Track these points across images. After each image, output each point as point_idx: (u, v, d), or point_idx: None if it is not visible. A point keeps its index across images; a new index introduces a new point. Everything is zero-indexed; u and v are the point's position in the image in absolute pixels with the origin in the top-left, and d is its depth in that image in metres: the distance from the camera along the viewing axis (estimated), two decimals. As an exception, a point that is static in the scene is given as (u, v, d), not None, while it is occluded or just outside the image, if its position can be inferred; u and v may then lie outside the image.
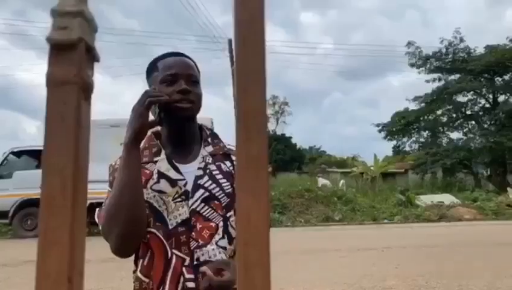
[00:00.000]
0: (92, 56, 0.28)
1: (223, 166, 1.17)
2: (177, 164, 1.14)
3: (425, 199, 15.51)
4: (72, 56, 0.26)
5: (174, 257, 1.07)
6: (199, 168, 1.14)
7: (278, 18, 70.17)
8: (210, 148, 1.19)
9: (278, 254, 7.10)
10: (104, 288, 4.81)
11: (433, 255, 6.69)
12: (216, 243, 1.09)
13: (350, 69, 45.97)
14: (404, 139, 29.07)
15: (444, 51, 25.12)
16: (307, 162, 36.11)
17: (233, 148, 1.24)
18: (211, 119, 11.03)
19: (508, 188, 16.97)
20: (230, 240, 1.12)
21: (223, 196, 1.13)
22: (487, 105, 25.70)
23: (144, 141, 1.12)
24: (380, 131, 28.22)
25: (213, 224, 1.10)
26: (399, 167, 27.28)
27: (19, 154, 10.78)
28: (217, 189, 1.13)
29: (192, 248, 1.07)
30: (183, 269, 1.06)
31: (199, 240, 1.08)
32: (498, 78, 25.00)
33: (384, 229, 11.47)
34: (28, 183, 9.42)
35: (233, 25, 0.26)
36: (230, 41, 18.23)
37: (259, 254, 0.25)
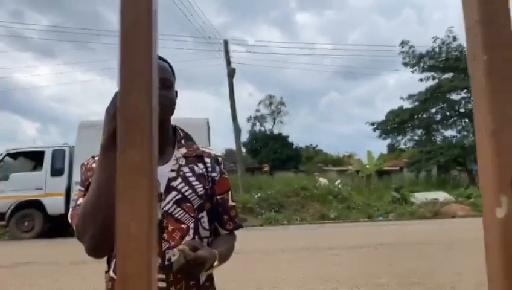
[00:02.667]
0: None
1: (196, 168, 1.19)
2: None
3: (420, 196, 15.65)
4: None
5: None
6: (172, 170, 1.15)
7: (274, 18, 70.23)
8: (183, 150, 1.20)
9: (273, 252, 7.17)
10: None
11: (426, 253, 6.78)
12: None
13: (346, 69, 46.19)
14: (399, 137, 29.28)
15: (437, 50, 25.31)
16: (304, 161, 36.22)
17: (207, 150, 1.25)
18: (207, 120, 11.10)
19: None
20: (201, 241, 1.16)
21: (196, 198, 1.15)
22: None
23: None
24: (374, 129, 28.40)
25: (184, 226, 1.11)
26: (394, 165, 27.46)
27: (15, 156, 10.78)
28: (190, 191, 1.14)
29: (163, 249, 1.09)
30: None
31: (170, 241, 1.09)
32: None
33: (379, 227, 11.57)
34: (24, 185, 9.43)
35: (118, 24, 0.25)
36: (225, 42, 18.27)
37: (138, 267, 0.23)
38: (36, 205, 10.29)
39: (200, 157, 1.22)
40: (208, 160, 1.23)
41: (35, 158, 10.96)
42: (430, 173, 24.70)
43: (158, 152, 1.15)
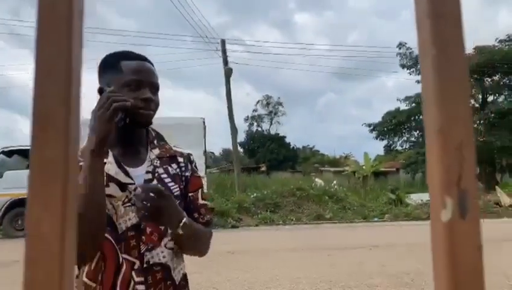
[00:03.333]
0: None
1: (170, 169, 1.18)
2: (126, 167, 1.12)
3: (415, 198, 15.67)
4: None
5: (124, 261, 1.07)
6: (147, 172, 1.14)
7: (273, 18, 70.22)
8: (157, 151, 1.19)
9: (267, 252, 7.16)
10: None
11: (419, 254, 6.79)
12: (165, 246, 1.11)
13: (344, 70, 46.18)
14: (396, 139, 29.34)
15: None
16: (301, 161, 36.26)
17: (179, 149, 1.23)
18: (203, 119, 11.08)
19: (497, 187, 17.19)
20: (182, 250, 1.17)
21: None
22: (476, 105, 25.98)
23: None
24: (371, 131, 28.43)
25: (162, 227, 1.10)
26: (390, 166, 27.49)
27: (9, 153, 10.72)
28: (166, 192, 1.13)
29: (142, 252, 1.08)
30: (133, 272, 1.07)
31: (149, 244, 1.09)
32: (487, 78, 25.30)
33: (374, 228, 11.58)
34: (18, 183, 9.39)
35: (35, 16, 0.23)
36: (223, 41, 18.24)
37: (47, 274, 0.21)
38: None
39: (173, 157, 1.21)
40: (181, 159, 1.22)
41: (29, 156, 10.91)
42: (425, 175, 24.75)
43: (130, 153, 1.10)
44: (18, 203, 9.91)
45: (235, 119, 17.67)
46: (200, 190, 1.23)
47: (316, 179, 18.15)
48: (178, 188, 1.16)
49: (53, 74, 0.23)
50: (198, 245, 1.19)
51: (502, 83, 25.00)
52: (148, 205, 1.00)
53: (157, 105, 1.15)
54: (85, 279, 1.08)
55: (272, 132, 39.07)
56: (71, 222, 0.23)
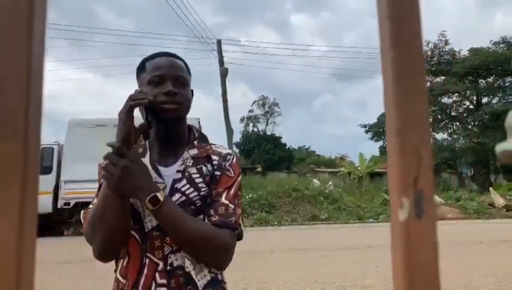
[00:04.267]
0: None
1: (204, 168, 1.11)
2: (159, 167, 1.10)
3: (410, 199, 15.72)
4: None
5: (147, 260, 1.04)
6: (178, 171, 1.10)
7: (270, 19, 70.28)
8: (194, 151, 1.14)
9: (261, 253, 7.16)
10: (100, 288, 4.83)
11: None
12: None
13: (340, 71, 46.32)
14: (391, 140, 29.49)
15: (429, 53, 25.51)
16: (296, 162, 36.28)
17: (219, 149, 1.19)
18: (198, 119, 11.06)
19: (490, 188, 17.29)
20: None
21: (199, 200, 1.07)
22: (471, 106, 26.15)
23: None
24: (366, 132, 28.54)
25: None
26: (386, 167, 27.55)
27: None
28: (195, 193, 1.07)
29: (166, 253, 1.04)
30: (156, 274, 1.03)
31: (173, 246, 1.04)
32: (482, 80, 25.47)
33: (369, 229, 11.61)
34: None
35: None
36: (219, 41, 18.24)
37: (5, 281, 0.21)
38: None
39: (209, 157, 1.14)
40: (215, 158, 1.14)
41: None
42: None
43: (168, 152, 1.08)
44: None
45: (231, 119, 17.68)
46: (227, 190, 1.09)
47: (314, 180, 18.17)
48: (207, 188, 1.09)
49: (13, 74, 0.22)
50: (187, 240, 1.04)
51: (496, 84, 25.18)
52: (108, 171, 0.99)
53: (185, 97, 1.11)
54: (118, 275, 1.09)
55: (268, 132, 39.10)
56: (31, 224, 0.23)
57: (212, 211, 1.06)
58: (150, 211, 1.01)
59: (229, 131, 17.43)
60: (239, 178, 1.14)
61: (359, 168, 21.35)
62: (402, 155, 0.25)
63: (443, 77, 25.64)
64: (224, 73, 17.48)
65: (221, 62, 17.73)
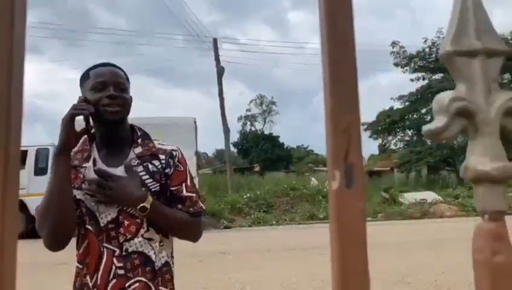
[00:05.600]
0: None
1: (150, 166, 1.26)
2: (109, 168, 1.24)
3: (409, 197, 15.78)
4: None
5: (105, 250, 1.21)
6: (125, 172, 1.24)
7: (267, 17, 70.35)
8: (139, 149, 1.27)
9: (259, 252, 7.20)
10: None
11: (411, 252, 6.86)
12: (142, 236, 1.22)
13: (337, 69, 46.10)
14: (390, 138, 29.48)
15: (427, 50, 25.56)
16: (295, 161, 36.31)
17: (163, 146, 1.30)
18: (194, 119, 11.10)
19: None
20: (158, 230, 1.26)
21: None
22: (469, 104, 26.23)
23: (78, 144, 1.24)
24: (365, 130, 28.55)
25: (139, 220, 1.22)
26: (385, 165, 27.65)
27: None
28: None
29: (121, 241, 1.21)
30: (114, 259, 1.20)
31: (127, 234, 1.21)
32: (479, 77, 25.56)
33: (367, 227, 11.64)
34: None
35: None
36: (215, 40, 18.27)
37: None
38: (18, 204, 10.15)
39: (155, 155, 1.28)
40: (162, 157, 1.29)
41: (22, 158, 10.87)
42: (420, 174, 24.93)
43: (114, 153, 1.21)
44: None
45: (228, 119, 17.71)
46: (184, 184, 1.29)
47: (312, 179, 18.22)
48: (157, 184, 1.25)
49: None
50: (172, 228, 1.29)
51: (493, 82, 25.25)
52: (101, 188, 1.17)
53: (125, 100, 1.25)
54: (77, 263, 1.26)
55: (266, 131, 39.14)
56: (11, 224, 0.25)
57: (180, 206, 1.27)
58: (141, 216, 1.19)
59: (226, 130, 17.46)
60: (187, 168, 1.33)
61: (357, 166, 21.39)
62: (335, 134, 0.28)
63: (441, 74, 25.68)
64: (220, 72, 17.51)
65: (218, 61, 17.75)
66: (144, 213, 1.18)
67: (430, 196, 15.91)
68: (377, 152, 32.08)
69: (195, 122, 10.99)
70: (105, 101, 1.20)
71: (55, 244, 1.23)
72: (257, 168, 29.25)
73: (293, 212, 14.07)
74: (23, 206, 10.39)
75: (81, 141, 1.24)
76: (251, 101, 41.00)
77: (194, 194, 1.30)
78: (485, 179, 0.26)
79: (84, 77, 1.28)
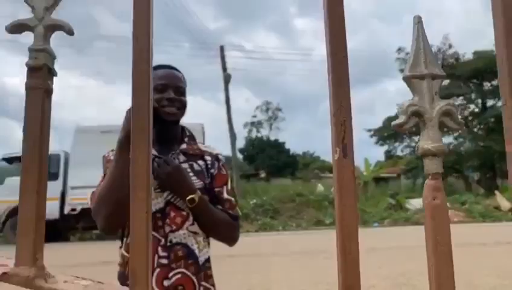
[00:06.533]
0: (51, 73, 0.46)
1: (195, 165, 1.35)
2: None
3: (415, 203, 15.76)
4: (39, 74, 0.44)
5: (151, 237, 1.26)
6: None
7: (273, 23, 70.79)
8: (184, 146, 1.37)
9: (266, 256, 7.26)
10: None
11: (416, 256, 6.87)
12: (187, 229, 1.27)
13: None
14: (396, 144, 29.47)
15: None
16: (301, 167, 36.35)
17: (208, 149, 1.44)
18: (202, 125, 11.23)
19: (496, 191, 17.27)
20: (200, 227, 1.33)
21: None
22: (476, 110, 26.16)
23: None
24: (371, 136, 28.58)
25: (184, 213, 1.27)
26: (392, 172, 27.62)
27: (10, 160, 10.86)
28: None
29: (166, 232, 1.25)
30: (159, 248, 1.25)
31: (172, 226, 1.26)
32: (486, 83, 25.48)
33: (373, 233, 11.66)
34: (19, 189, 9.47)
35: None
36: (221, 47, 18.48)
37: None
38: None
39: (201, 155, 1.39)
40: (208, 158, 1.39)
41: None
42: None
43: (165, 148, 1.34)
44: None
45: (235, 125, 17.85)
46: (225, 187, 1.38)
47: (319, 185, 18.29)
48: (201, 183, 1.33)
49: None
50: (215, 227, 1.33)
51: (500, 88, 25.12)
52: (160, 170, 1.23)
53: (182, 104, 1.34)
54: (123, 251, 1.29)
55: (272, 138, 39.28)
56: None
57: (220, 207, 1.35)
58: (188, 207, 1.25)
59: (232, 136, 17.60)
60: (229, 174, 1.43)
61: (364, 173, 21.41)
62: (335, 126, 0.37)
63: (447, 80, 25.70)
64: (227, 79, 17.69)
65: (224, 68, 17.95)
66: (191, 205, 1.23)
67: (437, 202, 15.85)
68: (383, 158, 32.03)
69: (203, 128, 11.13)
70: (165, 102, 1.28)
71: (112, 225, 1.27)
72: (263, 175, 29.34)
73: (299, 218, 14.12)
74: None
75: None
76: (257, 108, 41.25)
77: (233, 198, 1.38)
78: (428, 154, 0.38)
79: None
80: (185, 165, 1.32)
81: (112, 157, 1.30)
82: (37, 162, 0.43)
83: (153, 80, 1.33)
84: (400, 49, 25.82)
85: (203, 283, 1.29)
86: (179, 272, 1.23)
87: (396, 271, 5.67)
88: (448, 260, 0.40)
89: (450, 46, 25.48)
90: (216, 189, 1.35)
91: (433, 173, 0.41)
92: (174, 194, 1.27)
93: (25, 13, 0.46)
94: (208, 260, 1.33)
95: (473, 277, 5.18)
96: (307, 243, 9.49)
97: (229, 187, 1.39)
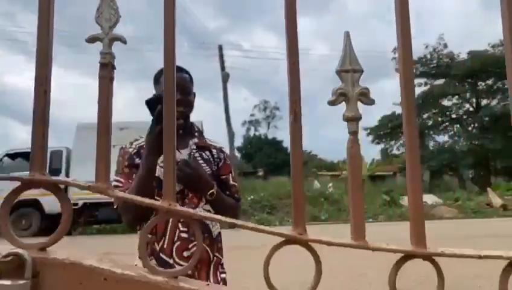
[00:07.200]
0: (113, 67, 0.70)
1: (204, 155, 1.60)
2: (177, 150, 1.53)
3: (409, 200, 16.00)
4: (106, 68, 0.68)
5: None
6: (188, 154, 1.56)
7: (271, 23, 70.84)
8: (195, 140, 1.62)
9: (265, 248, 7.49)
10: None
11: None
12: (202, 207, 1.49)
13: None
14: (392, 143, 29.75)
15: (428, 56, 25.89)
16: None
17: (213, 143, 1.80)
18: (201, 122, 11.48)
19: (488, 188, 17.57)
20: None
21: None
22: (471, 109, 26.45)
23: None
24: (368, 135, 28.84)
25: (198, 194, 1.50)
26: (388, 170, 27.89)
27: (13, 156, 11.08)
28: None
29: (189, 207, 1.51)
30: (179, 224, 1.47)
31: (191, 204, 1.48)
32: (481, 82, 25.77)
33: (368, 228, 11.90)
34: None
35: None
36: (220, 47, 18.68)
37: None
38: (34, 204, 10.59)
39: (208, 147, 1.64)
40: (214, 151, 1.65)
41: (33, 159, 11.26)
42: (422, 178, 25.11)
43: (180, 139, 1.67)
44: (22, 204, 10.26)
45: (233, 123, 18.07)
46: (230, 174, 1.64)
47: (315, 182, 18.55)
48: (210, 170, 1.58)
49: None
50: (225, 211, 1.49)
51: (495, 87, 25.48)
52: (181, 172, 1.42)
53: (189, 102, 1.56)
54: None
55: (269, 136, 39.50)
56: None
57: (228, 192, 1.60)
58: (207, 200, 1.48)
59: (231, 135, 17.83)
60: (232, 163, 1.69)
61: (360, 170, 21.62)
62: (291, 104, 0.62)
63: (443, 80, 25.99)
64: (225, 78, 17.91)
65: (222, 67, 18.18)
66: (211, 198, 1.45)
67: (430, 198, 16.17)
68: (379, 157, 32.30)
69: (202, 125, 11.36)
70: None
71: (136, 225, 1.48)
72: (261, 173, 29.55)
73: (296, 214, 14.36)
74: (38, 205, 10.80)
75: None
76: (255, 106, 41.50)
77: (237, 184, 1.66)
78: (349, 119, 0.63)
79: (156, 80, 1.59)
80: (197, 154, 1.57)
81: (132, 151, 1.54)
82: (107, 125, 0.67)
83: (161, 83, 1.62)
84: (395, 49, 26.03)
85: (216, 254, 1.54)
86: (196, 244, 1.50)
87: (387, 262, 5.90)
88: (360, 188, 0.64)
89: (445, 46, 25.75)
90: (223, 176, 1.61)
91: (351, 131, 0.65)
92: (196, 192, 1.49)
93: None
94: (219, 234, 1.57)
95: (454, 266, 5.43)
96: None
97: (233, 174, 1.66)
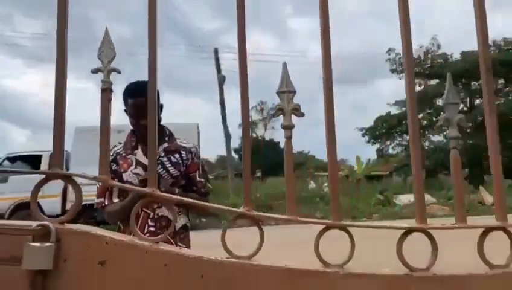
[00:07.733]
0: (111, 90, 0.95)
1: (172, 158, 1.82)
2: (144, 157, 1.79)
3: (403, 198, 16.30)
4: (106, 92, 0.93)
5: (142, 212, 1.74)
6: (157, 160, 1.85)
7: (269, 24, 71.13)
8: (165, 145, 1.83)
9: (251, 244, 7.72)
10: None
11: (393, 243, 7.37)
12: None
13: (339, 74, 46.82)
14: (388, 143, 29.99)
15: (422, 57, 26.19)
16: (296, 166, 36.57)
17: (183, 145, 2.28)
18: (197, 125, 11.70)
19: (480, 186, 17.85)
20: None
21: (169, 177, 1.80)
22: (464, 108, 26.76)
23: (126, 136, 1.82)
24: (363, 135, 29.10)
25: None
26: (384, 170, 28.15)
27: (13, 159, 11.29)
28: (166, 174, 1.80)
29: (154, 207, 1.74)
30: (148, 220, 1.74)
31: (158, 203, 1.64)
32: (474, 82, 26.08)
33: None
34: (22, 187, 9.94)
35: None
36: (215, 50, 18.94)
37: None
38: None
39: (177, 151, 1.87)
40: (183, 152, 1.88)
41: (32, 162, 11.46)
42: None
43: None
44: (23, 206, 10.48)
45: (230, 125, 18.33)
46: (197, 172, 1.88)
47: (311, 182, 18.80)
48: (177, 171, 1.81)
49: None
50: (191, 206, 1.79)
51: (488, 87, 25.69)
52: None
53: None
54: (120, 223, 1.81)
55: (267, 137, 39.73)
56: None
57: (195, 188, 1.86)
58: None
59: (227, 137, 18.06)
60: (201, 161, 1.93)
61: (356, 171, 21.90)
62: (243, 96, 0.87)
63: (437, 80, 26.28)
64: (221, 80, 18.16)
65: (219, 70, 18.41)
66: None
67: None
68: (375, 157, 32.55)
69: (198, 127, 11.59)
70: (141, 120, 1.71)
71: (115, 223, 1.83)
72: (258, 174, 29.74)
73: (291, 213, 14.58)
74: (39, 207, 10.97)
75: (128, 135, 1.84)
76: (252, 108, 41.67)
77: (203, 180, 1.90)
78: (286, 128, 0.86)
79: (125, 100, 1.82)
80: (164, 159, 1.81)
81: (122, 153, 1.81)
82: (106, 128, 0.91)
83: (129, 105, 1.99)
84: (390, 50, 26.37)
85: (179, 243, 1.75)
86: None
87: (376, 257, 6.15)
88: (292, 178, 0.88)
89: (439, 47, 26.09)
90: (190, 174, 1.85)
91: (287, 136, 0.89)
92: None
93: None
94: (182, 227, 1.82)
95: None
96: (297, 235, 9.95)
97: (201, 171, 1.89)
